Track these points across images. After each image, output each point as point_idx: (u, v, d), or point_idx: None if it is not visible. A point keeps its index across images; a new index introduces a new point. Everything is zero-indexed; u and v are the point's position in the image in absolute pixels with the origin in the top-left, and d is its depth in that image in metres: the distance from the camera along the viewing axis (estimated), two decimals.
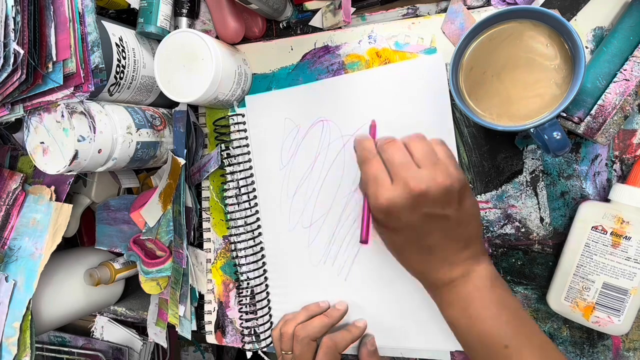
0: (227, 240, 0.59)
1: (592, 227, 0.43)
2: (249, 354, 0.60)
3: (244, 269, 0.57)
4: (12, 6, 0.42)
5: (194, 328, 0.60)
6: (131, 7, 0.53)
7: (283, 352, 0.53)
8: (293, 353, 0.52)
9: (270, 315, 0.57)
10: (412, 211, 0.37)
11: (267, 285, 0.57)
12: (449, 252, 0.39)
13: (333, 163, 0.53)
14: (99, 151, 0.47)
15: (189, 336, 0.60)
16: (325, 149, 0.53)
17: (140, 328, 0.71)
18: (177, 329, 0.60)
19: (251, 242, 0.57)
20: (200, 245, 0.60)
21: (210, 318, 0.60)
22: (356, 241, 0.53)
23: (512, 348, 0.37)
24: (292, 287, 0.56)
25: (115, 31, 0.50)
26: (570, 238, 0.45)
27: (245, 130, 0.56)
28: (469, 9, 0.48)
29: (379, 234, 0.43)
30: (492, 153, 0.49)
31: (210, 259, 0.59)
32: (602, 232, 0.43)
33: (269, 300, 0.57)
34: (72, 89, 0.45)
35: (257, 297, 0.57)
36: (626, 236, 0.42)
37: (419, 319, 0.51)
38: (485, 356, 0.38)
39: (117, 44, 0.49)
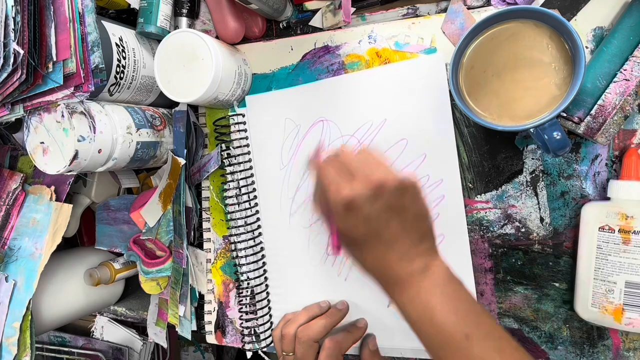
0: (227, 240, 0.59)
1: (599, 228, 0.43)
2: (249, 354, 0.60)
3: (244, 269, 0.57)
4: (12, 6, 0.42)
5: (194, 328, 0.60)
6: (131, 7, 0.53)
7: (284, 353, 0.53)
8: (295, 354, 0.52)
9: (270, 315, 0.57)
10: (373, 202, 0.38)
11: (267, 285, 0.57)
12: (407, 246, 0.40)
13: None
14: (99, 151, 0.47)
15: (189, 336, 0.60)
16: (326, 149, 0.53)
17: (140, 328, 0.71)
18: (177, 329, 0.60)
19: (251, 242, 0.57)
20: (200, 245, 0.60)
21: (210, 318, 0.60)
22: None
23: (473, 338, 0.38)
24: (292, 287, 0.56)
25: (115, 31, 0.50)
26: (581, 243, 0.45)
27: (245, 130, 0.56)
28: (469, 9, 0.48)
29: (339, 230, 0.43)
30: (492, 153, 0.49)
31: (210, 259, 0.59)
32: (610, 231, 0.43)
33: (269, 300, 0.57)
34: (72, 89, 0.45)
35: (257, 297, 0.57)
36: (634, 231, 0.42)
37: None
38: (447, 350, 0.39)
39: (117, 44, 0.49)
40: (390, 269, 0.40)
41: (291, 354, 0.52)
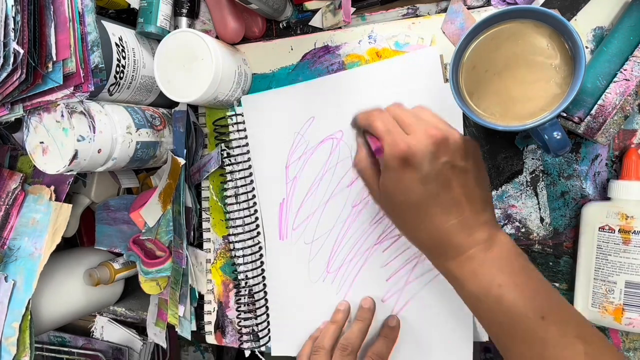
0: (227, 241, 0.59)
1: (599, 228, 0.43)
2: (247, 353, 0.60)
3: (242, 268, 0.57)
4: (12, 6, 0.42)
5: (194, 328, 0.60)
6: (131, 7, 0.53)
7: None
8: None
9: (268, 315, 0.57)
10: (434, 159, 0.34)
11: (264, 285, 0.57)
12: (469, 213, 0.36)
13: (331, 161, 0.53)
14: (99, 151, 0.47)
15: (188, 336, 0.60)
16: (325, 148, 0.53)
17: (140, 328, 0.71)
18: (176, 329, 0.60)
19: (250, 242, 0.57)
20: (200, 246, 0.60)
21: (210, 318, 0.60)
22: (358, 259, 0.52)
23: (551, 320, 0.32)
24: (291, 286, 0.56)
25: (115, 31, 0.50)
26: (581, 243, 0.45)
27: (244, 130, 0.56)
28: (469, 9, 0.48)
29: (385, 198, 0.38)
30: (492, 153, 0.49)
31: (210, 259, 0.59)
32: (610, 231, 0.43)
33: (266, 300, 0.57)
34: (72, 88, 0.45)
35: (256, 297, 0.57)
36: (634, 231, 0.42)
37: (418, 337, 0.50)
38: (515, 331, 0.33)
39: (117, 44, 0.49)
40: (448, 237, 0.36)
41: None
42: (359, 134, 0.41)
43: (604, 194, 0.46)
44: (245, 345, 0.58)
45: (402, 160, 0.35)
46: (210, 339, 0.60)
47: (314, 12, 0.54)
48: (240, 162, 0.56)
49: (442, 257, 0.37)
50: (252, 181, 0.57)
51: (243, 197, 0.56)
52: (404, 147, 0.35)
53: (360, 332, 0.49)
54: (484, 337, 0.48)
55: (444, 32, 0.49)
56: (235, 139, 0.56)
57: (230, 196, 0.57)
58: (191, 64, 0.48)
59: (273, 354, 0.57)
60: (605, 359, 0.33)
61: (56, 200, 0.56)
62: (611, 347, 0.34)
